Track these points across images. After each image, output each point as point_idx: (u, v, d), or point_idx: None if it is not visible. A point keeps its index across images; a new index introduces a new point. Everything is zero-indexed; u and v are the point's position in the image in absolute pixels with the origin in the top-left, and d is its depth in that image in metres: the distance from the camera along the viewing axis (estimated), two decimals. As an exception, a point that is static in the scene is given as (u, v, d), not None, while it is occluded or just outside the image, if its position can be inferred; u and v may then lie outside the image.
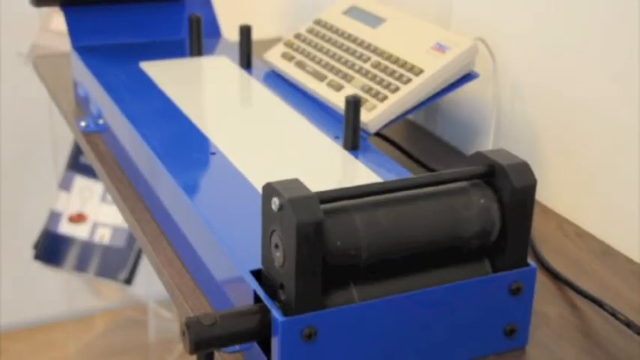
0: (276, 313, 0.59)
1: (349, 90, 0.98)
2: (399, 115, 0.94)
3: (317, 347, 0.60)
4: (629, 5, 0.82)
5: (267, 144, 0.89)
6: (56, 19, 1.81)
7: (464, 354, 0.67)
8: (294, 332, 0.59)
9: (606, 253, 0.86)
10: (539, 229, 0.89)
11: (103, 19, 1.17)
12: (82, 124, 1.07)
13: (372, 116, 0.93)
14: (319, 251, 0.59)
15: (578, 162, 0.91)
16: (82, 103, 1.12)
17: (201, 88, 1.04)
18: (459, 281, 0.64)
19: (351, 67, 1.02)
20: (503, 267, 0.66)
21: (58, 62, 1.30)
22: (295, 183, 0.60)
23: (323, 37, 1.10)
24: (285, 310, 0.60)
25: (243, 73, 1.09)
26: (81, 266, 1.84)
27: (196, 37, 1.11)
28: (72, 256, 1.85)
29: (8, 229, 2.01)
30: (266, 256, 0.62)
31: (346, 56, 1.04)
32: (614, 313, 0.73)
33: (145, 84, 1.03)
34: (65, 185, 1.88)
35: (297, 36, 1.14)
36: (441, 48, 0.96)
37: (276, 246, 0.60)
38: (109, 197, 1.82)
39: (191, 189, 0.79)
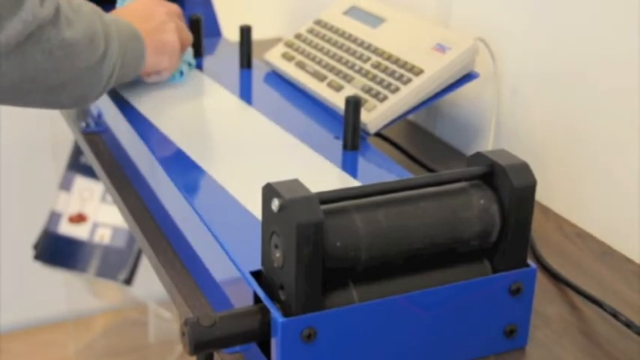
0: (275, 314, 0.59)
1: (349, 90, 0.98)
2: (399, 116, 0.94)
3: (317, 348, 0.60)
4: (629, 6, 0.82)
5: (266, 143, 0.89)
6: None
7: (464, 354, 0.67)
8: (294, 333, 0.59)
9: (606, 253, 0.86)
10: (539, 230, 0.89)
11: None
12: (82, 124, 1.07)
13: (372, 116, 0.93)
14: (319, 252, 0.58)
15: (578, 162, 0.91)
16: (82, 104, 1.12)
17: (181, 98, 1.02)
18: (459, 282, 0.64)
19: (352, 67, 1.02)
20: (503, 267, 0.66)
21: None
22: (295, 184, 0.60)
23: (323, 38, 1.10)
24: (285, 311, 0.60)
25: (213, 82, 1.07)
26: (81, 266, 1.84)
27: (197, 37, 1.11)
28: (72, 256, 1.85)
29: (8, 229, 2.01)
30: (266, 257, 0.62)
31: (346, 56, 1.04)
32: (614, 314, 0.73)
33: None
34: (65, 185, 1.88)
35: (298, 36, 1.14)
36: (441, 48, 0.96)
37: (276, 247, 0.60)
38: (109, 197, 1.82)
39: (191, 190, 0.79)
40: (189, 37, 1.03)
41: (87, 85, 0.84)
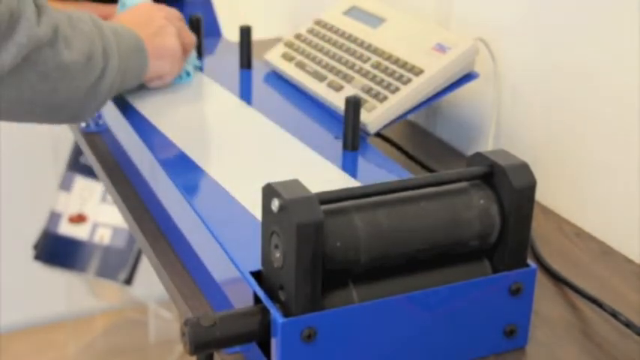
0: (275, 314, 0.59)
1: (349, 90, 0.98)
2: (399, 116, 0.94)
3: (317, 348, 0.60)
4: (629, 7, 0.82)
5: (266, 144, 0.89)
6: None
7: (464, 354, 0.67)
8: (294, 333, 0.59)
9: (606, 253, 0.86)
10: (539, 230, 0.89)
11: (103, 20, 1.17)
12: (82, 124, 1.07)
13: (372, 117, 0.93)
14: (319, 252, 0.58)
15: (578, 162, 0.91)
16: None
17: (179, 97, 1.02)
18: (459, 282, 0.64)
19: (351, 67, 1.02)
20: (503, 267, 0.66)
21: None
22: (295, 184, 0.60)
23: (323, 38, 1.10)
24: (285, 311, 0.60)
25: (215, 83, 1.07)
26: (81, 266, 1.84)
27: (197, 37, 1.11)
28: (72, 256, 1.85)
29: (8, 229, 2.01)
30: (266, 257, 0.62)
31: (346, 57, 1.04)
32: (614, 314, 0.73)
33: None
34: (65, 185, 1.88)
35: (298, 36, 1.13)
36: (441, 48, 0.96)
37: (276, 247, 0.60)
38: (109, 197, 1.82)
39: (191, 189, 0.79)
40: (192, 39, 1.02)
41: (86, 103, 0.83)
